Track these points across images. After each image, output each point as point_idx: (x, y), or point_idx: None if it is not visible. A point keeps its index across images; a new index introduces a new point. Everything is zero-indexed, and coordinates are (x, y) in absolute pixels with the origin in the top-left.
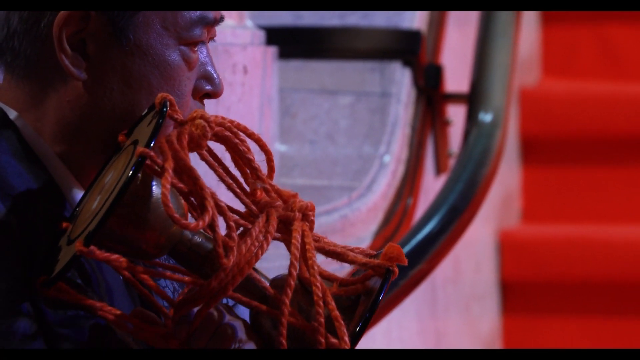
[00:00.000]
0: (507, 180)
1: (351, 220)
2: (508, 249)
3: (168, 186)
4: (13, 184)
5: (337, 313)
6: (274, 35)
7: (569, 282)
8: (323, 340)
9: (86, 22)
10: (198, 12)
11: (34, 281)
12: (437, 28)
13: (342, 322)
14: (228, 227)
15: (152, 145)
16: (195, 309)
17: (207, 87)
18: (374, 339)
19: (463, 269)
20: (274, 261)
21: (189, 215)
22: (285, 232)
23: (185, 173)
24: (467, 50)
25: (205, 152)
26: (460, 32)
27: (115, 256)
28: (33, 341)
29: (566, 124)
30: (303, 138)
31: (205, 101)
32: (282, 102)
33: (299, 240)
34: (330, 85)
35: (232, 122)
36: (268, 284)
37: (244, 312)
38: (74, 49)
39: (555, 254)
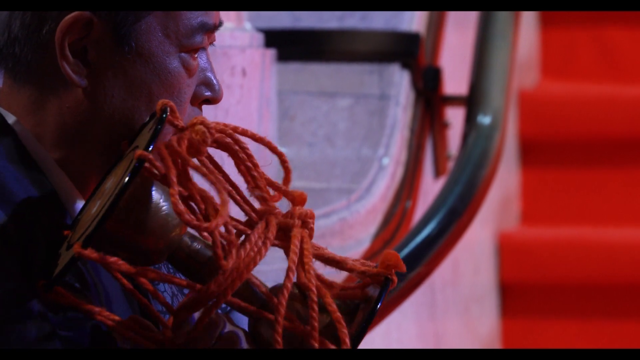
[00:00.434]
0: (506, 182)
1: (350, 222)
2: (507, 251)
3: (175, 187)
4: (11, 189)
5: (339, 315)
6: (272, 38)
7: (568, 284)
8: (317, 345)
9: (89, 29)
10: (199, 19)
11: (35, 284)
12: (436, 30)
13: (343, 323)
14: (227, 231)
15: (150, 149)
16: (195, 316)
17: (206, 93)
18: (373, 341)
19: (462, 271)
20: (272, 264)
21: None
22: (284, 239)
23: (183, 178)
24: (465, 53)
25: (205, 159)
26: (459, 35)
27: (113, 258)
28: (49, 340)
29: (565, 125)
30: (302, 140)
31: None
32: (280, 105)
33: (298, 246)
34: (329, 88)
35: (235, 128)
36: (267, 290)
37: (241, 321)
38: (76, 56)
39: (554, 256)
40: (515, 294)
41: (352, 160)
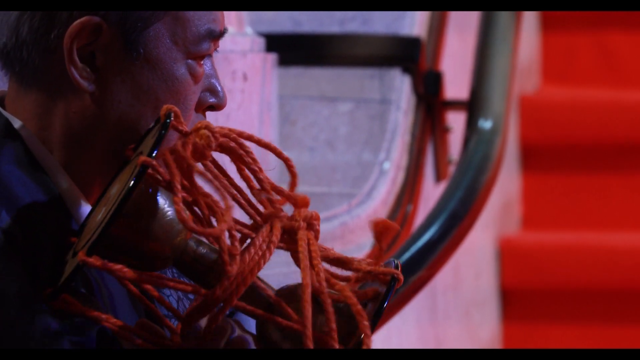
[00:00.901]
0: (506, 187)
1: (351, 227)
2: (508, 255)
3: (179, 193)
4: (17, 193)
5: (359, 307)
6: (273, 42)
7: (569, 289)
8: (336, 346)
9: (97, 34)
10: (206, 27)
11: (41, 291)
12: (437, 35)
13: (364, 314)
14: (231, 236)
15: (154, 154)
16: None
17: (211, 100)
18: (373, 346)
19: (463, 276)
20: (273, 268)
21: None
22: (290, 242)
23: (188, 182)
24: (466, 57)
25: (209, 163)
26: (459, 39)
27: (118, 266)
28: (56, 340)
29: (566, 130)
30: (302, 145)
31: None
32: (281, 109)
33: (305, 248)
34: (330, 92)
35: (240, 133)
36: (273, 292)
37: (248, 324)
38: (84, 61)
39: (555, 260)
40: (516, 298)
41: (353, 165)
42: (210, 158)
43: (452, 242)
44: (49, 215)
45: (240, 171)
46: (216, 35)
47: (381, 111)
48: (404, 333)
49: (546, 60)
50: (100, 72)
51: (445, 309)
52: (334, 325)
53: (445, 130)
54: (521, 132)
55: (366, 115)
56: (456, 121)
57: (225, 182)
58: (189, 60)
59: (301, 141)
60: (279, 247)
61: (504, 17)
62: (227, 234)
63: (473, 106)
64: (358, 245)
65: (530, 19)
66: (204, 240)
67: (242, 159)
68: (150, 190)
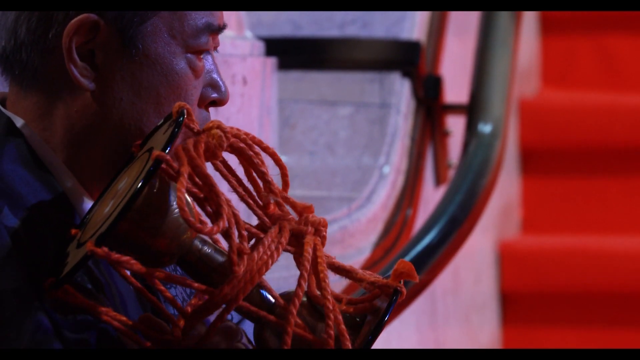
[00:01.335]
0: (506, 190)
1: (350, 231)
2: (508, 259)
3: (184, 190)
4: (20, 192)
5: (343, 327)
6: (273, 46)
7: (569, 293)
8: None
9: (95, 32)
10: (204, 20)
11: (42, 285)
12: (437, 39)
13: (347, 336)
14: (240, 235)
15: (168, 150)
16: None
17: (213, 95)
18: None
19: (463, 280)
20: (272, 272)
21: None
22: (296, 246)
23: (201, 179)
24: (466, 61)
25: (219, 163)
26: (459, 43)
27: (126, 257)
28: (49, 339)
29: (565, 134)
30: (302, 149)
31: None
32: (281, 113)
33: (311, 254)
34: (330, 96)
35: (247, 134)
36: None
37: (249, 333)
38: (83, 60)
39: (555, 264)
40: (515, 302)
41: (353, 169)
42: (221, 158)
43: (452, 246)
44: (53, 213)
45: (248, 173)
46: (215, 29)
47: (381, 115)
48: (404, 337)
49: (546, 63)
50: (100, 70)
51: (445, 313)
52: (332, 332)
53: (445, 134)
54: (521, 136)
55: (366, 119)
56: (456, 125)
57: (234, 182)
58: (189, 55)
59: (301, 145)
60: (285, 250)
61: (503, 21)
62: (236, 233)
63: (473, 110)
64: (358, 249)
65: (529, 23)
66: (208, 239)
67: (250, 160)
68: (160, 186)
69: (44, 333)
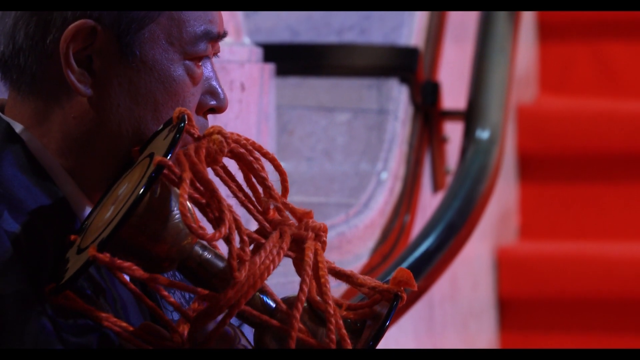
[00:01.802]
0: (504, 197)
1: (348, 237)
2: (505, 266)
3: (186, 196)
4: (20, 197)
5: (344, 332)
6: (271, 52)
7: (567, 300)
8: None
9: (92, 38)
10: (203, 27)
11: (43, 289)
12: (434, 45)
13: (349, 341)
14: (241, 241)
15: (170, 156)
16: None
17: (211, 102)
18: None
19: (460, 286)
20: (270, 278)
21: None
22: (297, 251)
23: (202, 185)
24: (464, 67)
25: (219, 168)
26: (457, 49)
27: (127, 263)
28: (52, 342)
29: (563, 140)
30: (300, 155)
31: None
32: (279, 119)
33: (312, 259)
34: (328, 102)
35: (247, 139)
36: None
37: (250, 337)
38: (81, 65)
39: (552, 271)
40: (513, 308)
41: (351, 175)
42: (221, 163)
43: (450, 252)
44: (52, 217)
45: (247, 178)
46: (213, 37)
47: (379, 121)
48: (402, 343)
49: (544, 70)
50: (98, 76)
51: (442, 319)
52: (334, 337)
53: (442, 140)
54: (519, 142)
55: (364, 125)
56: (454, 131)
57: (235, 187)
58: (187, 62)
59: (299, 151)
60: (286, 255)
61: (501, 27)
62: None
63: (470, 116)
64: (355, 255)
65: (527, 29)
66: (208, 245)
67: (251, 166)
68: (161, 192)
69: (46, 336)
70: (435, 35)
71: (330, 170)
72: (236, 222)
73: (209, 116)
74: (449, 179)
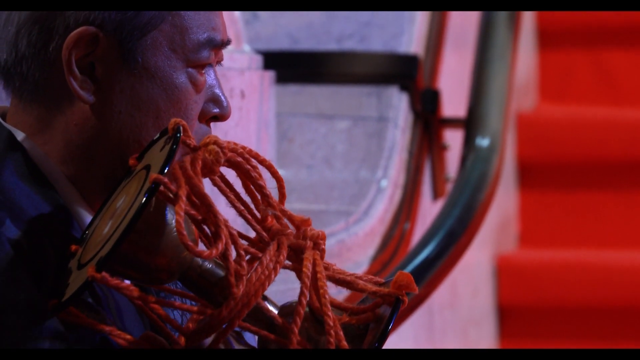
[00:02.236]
0: (504, 204)
1: (348, 244)
2: (505, 273)
3: (182, 213)
4: (22, 205)
5: (345, 343)
6: (271, 60)
7: (567, 307)
8: None
9: (95, 45)
10: (206, 35)
11: (44, 304)
12: (434, 52)
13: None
14: (238, 255)
15: (166, 171)
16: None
17: (214, 110)
18: None
19: (460, 294)
20: (270, 286)
21: (200, 242)
22: (295, 260)
23: (199, 200)
24: (464, 75)
25: (217, 178)
26: (457, 57)
27: (126, 284)
28: (61, 343)
29: (563, 148)
30: (300, 162)
31: None
32: (279, 127)
33: (310, 269)
34: (328, 110)
35: (244, 148)
36: (277, 312)
37: (252, 340)
38: (83, 72)
39: (552, 278)
40: (513, 316)
41: (351, 183)
42: (218, 173)
43: (450, 260)
44: (54, 225)
45: (245, 186)
46: (217, 44)
47: (379, 129)
48: None
49: (543, 78)
50: (100, 83)
51: (442, 327)
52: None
53: (442, 148)
54: (518, 150)
55: (364, 132)
56: (453, 139)
57: (233, 197)
58: (190, 69)
59: (299, 159)
60: (284, 267)
61: (501, 35)
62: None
63: (470, 124)
64: (355, 262)
65: (527, 37)
66: None
67: (248, 174)
68: (158, 206)
69: (57, 340)
70: (435, 42)
71: (330, 177)
72: (232, 237)
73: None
74: (448, 187)
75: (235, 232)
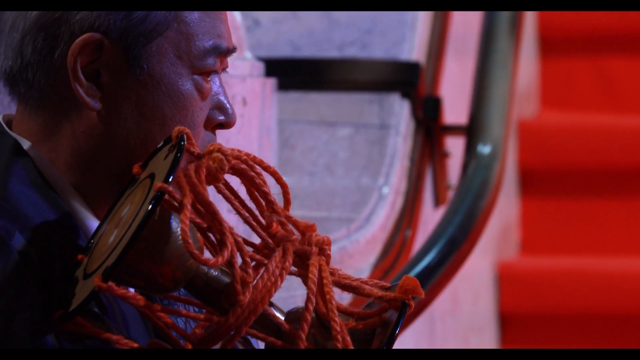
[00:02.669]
0: (505, 212)
1: (350, 252)
2: (506, 281)
3: (187, 222)
4: (28, 214)
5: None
6: (272, 67)
7: (568, 315)
8: None
9: (100, 51)
10: (211, 42)
11: (52, 314)
12: (436, 60)
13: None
14: (244, 262)
15: (170, 180)
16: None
17: (220, 117)
18: None
19: (461, 301)
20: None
21: (205, 249)
22: (301, 266)
23: (203, 208)
24: (465, 82)
25: (221, 185)
26: (458, 64)
27: (132, 293)
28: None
29: (564, 155)
30: (302, 169)
31: None
32: (280, 134)
33: (316, 275)
34: (329, 117)
35: (247, 155)
36: (283, 318)
37: (257, 345)
38: (88, 79)
39: (553, 286)
40: (514, 323)
41: (352, 190)
42: (222, 181)
43: (451, 267)
44: (60, 234)
45: (250, 193)
46: (222, 51)
47: (380, 136)
48: None
49: (545, 85)
50: (106, 90)
51: (443, 334)
52: None
53: (444, 155)
54: (520, 157)
55: (365, 140)
56: (455, 146)
57: (237, 204)
58: (195, 76)
59: (300, 166)
60: (290, 273)
61: (502, 43)
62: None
63: (472, 131)
64: (357, 270)
65: (528, 45)
66: None
67: (252, 181)
68: (163, 215)
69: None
70: (436, 50)
71: (331, 184)
72: (238, 244)
73: None
74: (450, 194)
75: (240, 239)
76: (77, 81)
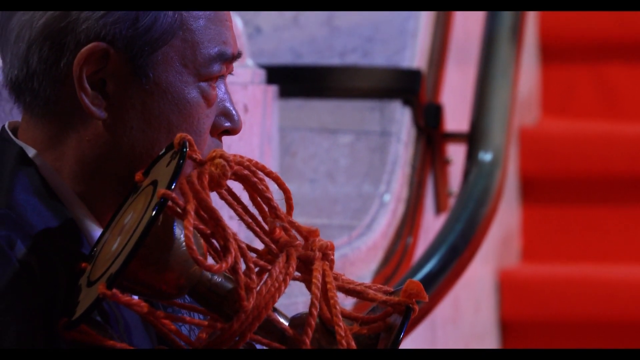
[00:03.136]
0: (506, 219)
1: (351, 259)
2: (508, 288)
3: (191, 229)
4: (32, 222)
5: None
6: (274, 74)
7: (568, 322)
8: None
9: (106, 60)
10: (217, 49)
11: (55, 323)
12: (437, 67)
13: None
14: (248, 268)
15: (173, 186)
16: None
17: (226, 124)
18: None
19: (463, 309)
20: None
21: (209, 255)
22: (305, 272)
23: (207, 214)
24: (466, 90)
25: (224, 191)
26: (460, 72)
27: (136, 300)
28: None
29: (565, 163)
30: (303, 177)
31: None
32: (282, 141)
33: (320, 280)
34: (330, 124)
35: (250, 161)
36: (287, 324)
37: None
38: (94, 88)
39: (554, 293)
40: (515, 331)
41: (353, 197)
42: (225, 187)
43: (452, 275)
44: (64, 243)
45: (253, 199)
46: (228, 57)
47: (381, 143)
48: None
49: (546, 93)
50: (111, 99)
51: (444, 342)
52: None
53: (445, 163)
54: (521, 165)
55: (366, 147)
56: (456, 153)
57: (240, 209)
58: (201, 83)
59: (301, 173)
60: (294, 279)
61: (504, 50)
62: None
63: (473, 139)
64: (358, 277)
65: (530, 53)
66: None
67: (255, 187)
68: (166, 222)
69: None
70: (438, 57)
71: (332, 192)
72: (241, 250)
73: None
74: (451, 201)
75: (244, 245)
76: (82, 90)
